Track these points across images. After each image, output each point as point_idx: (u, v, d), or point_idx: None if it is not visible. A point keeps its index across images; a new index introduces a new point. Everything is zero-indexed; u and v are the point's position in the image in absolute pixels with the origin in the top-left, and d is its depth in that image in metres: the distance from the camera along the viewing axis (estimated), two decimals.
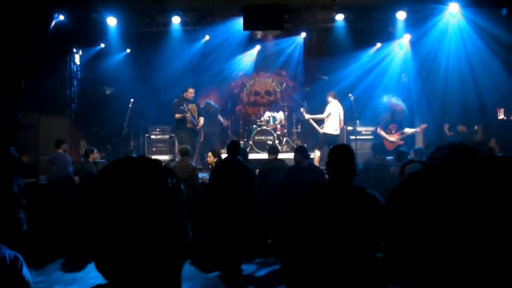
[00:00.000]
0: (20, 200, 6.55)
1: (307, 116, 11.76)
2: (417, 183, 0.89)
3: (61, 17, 11.12)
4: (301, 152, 8.01)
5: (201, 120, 11.42)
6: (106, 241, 1.12)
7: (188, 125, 11.12)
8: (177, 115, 11.02)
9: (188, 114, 11.03)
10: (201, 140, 11.75)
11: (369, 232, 3.06)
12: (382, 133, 11.19)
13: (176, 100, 11.33)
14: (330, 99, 11.32)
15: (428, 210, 0.84)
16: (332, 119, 11.19)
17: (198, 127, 11.35)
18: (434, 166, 0.90)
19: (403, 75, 13.29)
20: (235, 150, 7.42)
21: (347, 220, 3.09)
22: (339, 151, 3.42)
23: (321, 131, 11.52)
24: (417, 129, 11.36)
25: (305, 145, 13.09)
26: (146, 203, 1.13)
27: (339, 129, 11.36)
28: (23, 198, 6.60)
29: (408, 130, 11.24)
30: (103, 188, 1.16)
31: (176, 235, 1.17)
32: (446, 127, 11.12)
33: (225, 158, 7.62)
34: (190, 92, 11.34)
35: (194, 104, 11.41)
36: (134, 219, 1.12)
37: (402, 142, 11.09)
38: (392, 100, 11.55)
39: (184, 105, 11.09)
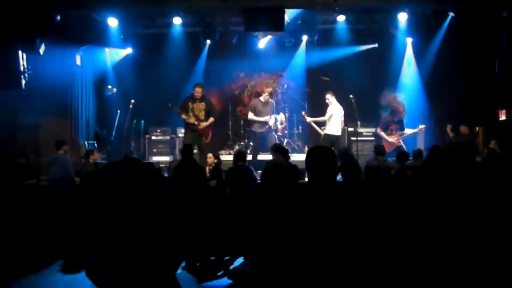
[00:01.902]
0: None
1: (308, 119, 11.72)
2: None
3: (59, 17, 10.95)
4: (281, 152, 8.08)
5: (209, 121, 10.96)
6: (96, 247, 1.11)
7: (190, 125, 10.87)
8: (181, 116, 10.91)
9: (183, 115, 10.78)
10: (206, 141, 11.10)
11: (350, 230, 3.05)
12: (382, 133, 11.15)
13: (184, 98, 11.19)
14: (330, 99, 11.28)
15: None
16: (334, 120, 11.15)
17: (200, 127, 10.85)
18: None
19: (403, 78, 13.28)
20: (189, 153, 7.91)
21: (328, 220, 3.07)
22: (319, 151, 3.41)
23: (322, 132, 11.49)
24: (416, 130, 11.31)
25: (306, 146, 13.13)
26: (136, 207, 1.12)
27: (340, 130, 11.33)
28: None
29: (407, 131, 11.23)
30: (93, 193, 1.15)
31: (168, 240, 1.16)
32: (448, 128, 11.17)
33: (181, 160, 7.79)
34: (197, 91, 10.89)
35: (202, 103, 10.96)
36: (123, 224, 1.10)
37: (401, 143, 11.04)
38: (392, 99, 11.48)
39: (189, 103, 10.89)
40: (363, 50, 13.74)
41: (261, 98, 11.74)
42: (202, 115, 10.90)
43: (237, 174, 7.93)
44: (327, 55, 13.84)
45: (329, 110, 11.22)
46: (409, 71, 13.25)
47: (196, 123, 10.81)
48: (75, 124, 12.67)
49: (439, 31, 12.06)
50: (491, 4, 10.34)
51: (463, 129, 10.87)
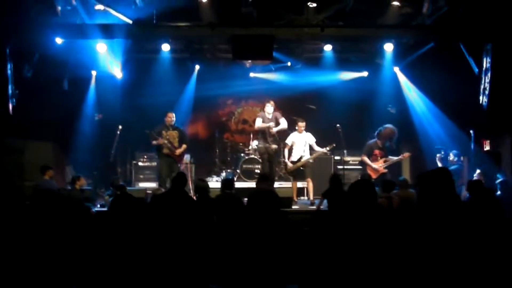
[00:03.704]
0: None
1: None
2: None
3: (58, 41, 10.87)
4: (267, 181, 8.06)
5: (183, 147, 11.13)
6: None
7: (164, 151, 11.01)
8: (153, 142, 11.00)
9: (161, 141, 10.89)
10: (182, 167, 11.39)
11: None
12: (366, 159, 10.94)
13: (157, 126, 11.24)
14: (304, 126, 11.27)
15: None
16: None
17: (176, 154, 11.04)
18: None
19: (389, 107, 13.38)
20: (181, 182, 7.46)
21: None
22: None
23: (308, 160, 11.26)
24: (401, 157, 11.20)
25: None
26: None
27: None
28: None
29: (392, 158, 11.06)
30: None
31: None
32: (438, 157, 11.25)
33: (169, 190, 7.55)
34: (169, 117, 11.14)
35: (175, 131, 11.16)
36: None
37: (386, 170, 10.85)
38: (384, 127, 11.29)
39: (163, 132, 10.99)
40: (350, 78, 13.91)
41: (265, 112, 11.56)
42: (176, 142, 11.11)
43: (224, 203, 7.86)
44: (314, 83, 13.96)
45: (312, 138, 11.13)
46: (396, 99, 13.39)
47: (172, 148, 11.00)
48: (61, 149, 12.57)
49: (424, 60, 12.24)
50: (475, 36, 10.53)
51: (452, 158, 10.97)
